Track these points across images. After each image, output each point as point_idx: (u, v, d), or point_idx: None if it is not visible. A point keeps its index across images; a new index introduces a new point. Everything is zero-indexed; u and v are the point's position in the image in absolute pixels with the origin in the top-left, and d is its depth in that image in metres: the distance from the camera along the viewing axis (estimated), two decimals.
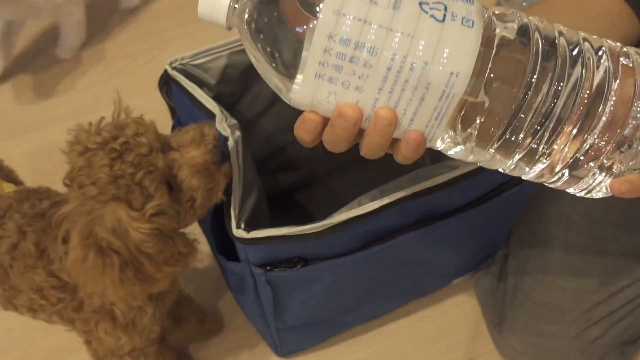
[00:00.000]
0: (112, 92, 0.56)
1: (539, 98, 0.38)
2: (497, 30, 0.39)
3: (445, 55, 0.36)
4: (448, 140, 0.42)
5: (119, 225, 0.51)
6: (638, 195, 0.42)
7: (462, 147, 0.42)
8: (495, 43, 0.38)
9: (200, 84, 0.73)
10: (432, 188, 0.60)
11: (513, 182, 0.68)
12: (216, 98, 0.75)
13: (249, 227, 0.58)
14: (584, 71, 0.39)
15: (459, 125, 0.40)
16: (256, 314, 0.73)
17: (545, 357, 0.77)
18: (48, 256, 0.60)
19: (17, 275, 0.62)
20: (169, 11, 1.36)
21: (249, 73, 0.75)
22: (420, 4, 0.37)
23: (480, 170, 0.61)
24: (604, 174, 0.42)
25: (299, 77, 0.39)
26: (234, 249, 0.62)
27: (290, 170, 0.91)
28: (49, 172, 0.94)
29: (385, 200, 0.59)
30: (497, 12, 0.40)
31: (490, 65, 0.38)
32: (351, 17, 0.36)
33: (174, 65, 0.71)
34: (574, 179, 0.42)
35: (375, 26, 0.36)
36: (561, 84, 0.38)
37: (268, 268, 0.62)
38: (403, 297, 0.88)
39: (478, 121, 0.40)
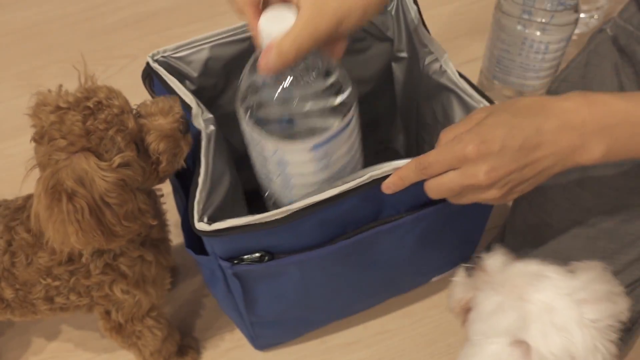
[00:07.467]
0: None
1: None
2: None
3: None
4: None
5: (85, 175, 0.54)
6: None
7: None
8: None
9: (183, 76, 0.72)
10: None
11: None
12: (198, 91, 0.73)
13: (212, 221, 0.57)
14: None
15: None
16: (230, 307, 0.72)
17: None
18: (43, 236, 0.61)
19: (23, 269, 0.65)
20: (169, 11, 1.35)
21: (232, 66, 0.73)
22: None
23: None
24: None
25: None
26: (202, 243, 0.61)
27: None
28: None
29: (344, 187, 0.57)
30: None
31: None
32: None
33: (155, 57, 0.70)
34: None
35: None
36: None
37: (235, 262, 0.60)
38: (378, 296, 0.85)
39: None
